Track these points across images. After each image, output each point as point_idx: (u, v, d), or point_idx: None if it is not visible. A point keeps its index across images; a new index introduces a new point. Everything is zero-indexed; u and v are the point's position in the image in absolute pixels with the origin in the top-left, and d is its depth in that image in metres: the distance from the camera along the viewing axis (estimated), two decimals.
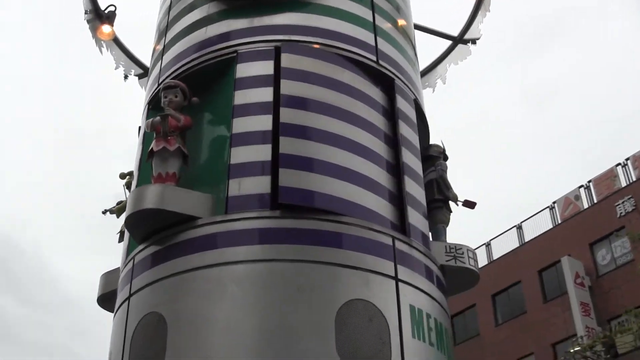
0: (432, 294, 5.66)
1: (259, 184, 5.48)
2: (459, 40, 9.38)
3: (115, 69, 8.99)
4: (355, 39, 6.49)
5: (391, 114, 6.38)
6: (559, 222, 30.66)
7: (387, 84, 6.52)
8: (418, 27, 9.44)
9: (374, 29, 6.70)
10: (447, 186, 6.67)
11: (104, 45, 8.73)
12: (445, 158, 7.05)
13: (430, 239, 6.40)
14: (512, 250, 32.03)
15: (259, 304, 4.96)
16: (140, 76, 9.21)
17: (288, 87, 5.86)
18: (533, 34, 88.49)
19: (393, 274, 5.37)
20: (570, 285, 27.42)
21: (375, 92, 6.33)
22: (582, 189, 30.41)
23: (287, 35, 6.31)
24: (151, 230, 5.62)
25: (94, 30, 8.41)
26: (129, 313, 5.47)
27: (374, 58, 6.49)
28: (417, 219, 5.91)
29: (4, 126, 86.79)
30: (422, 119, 7.05)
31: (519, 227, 32.26)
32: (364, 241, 5.39)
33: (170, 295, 5.24)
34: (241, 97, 5.95)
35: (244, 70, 6.11)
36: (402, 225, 5.80)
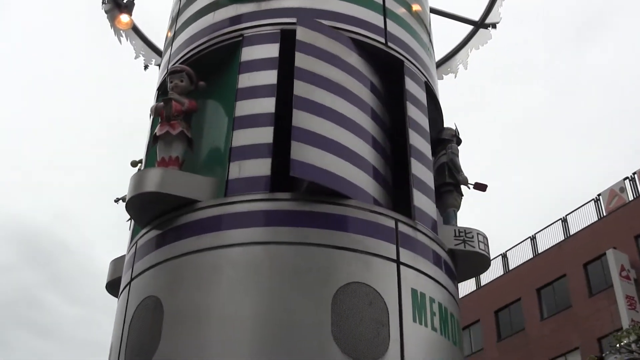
0: (437, 279, 5.53)
1: (260, 167, 5.43)
2: (480, 24, 9.22)
3: (135, 58, 9.05)
4: (363, 21, 6.40)
5: (399, 96, 6.27)
6: (604, 214, 29.98)
7: (396, 66, 6.41)
8: (439, 12, 9.34)
9: (384, 12, 6.60)
10: (458, 169, 6.53)
11: (123, 35, 8.78)
12: (459, 141, 6.91)
13: (442, 222, 6.31)
14: (557, 243, 31.44)
15: (254, 287, 4.91)
16: (160, 65, 9.23)
17: (303, 61, 5.66)
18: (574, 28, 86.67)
19: (395, 257, 5.27)
20: (615, 278, 26.81)
21: (378, 78, 6.28)
22: (627, 181, 29.69)
23: (292, 18, 6.24)
24: (153, 215, 5.62)
25: (113, 19, 8.45)
26: (129, 297, 5.48)
27: (383, 40, 6.40)
28: (423, 202, 5.79)
29: (53, 122, 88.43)
30: (435, 102, 6.93)
31: (564, 220, 31.64)
32: (364, 223, 5.30)
33: (167, 279, 5.24)
34: (245, 80, 5.92)
35: (249, 53, 6.07)
36: (407, 208, 5.69)
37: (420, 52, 6.80)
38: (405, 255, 5.34)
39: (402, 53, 6.47)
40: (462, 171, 6.52)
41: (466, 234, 6.07)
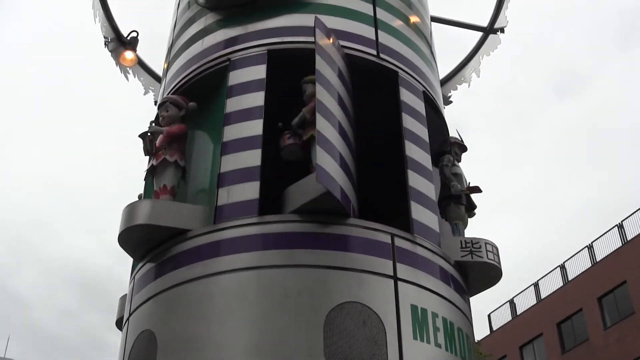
0: (442, 293, 5.31)
1: (248, 191, 5.32)
2: (489, 30, 9.02)
3: (145, 94, 9.04)
4: (353, 35, 6.29)
5: (395, 108, 6.11)
6: None
7: (392, 78, 6.25)
8: (447, 21, 9.18)
9: (375, 24, 6.47)
10: (449, 180, 6.29)
11: (130, 71, 8.80)
12: (463, 149, 6.69)
13: (449, 235, 6.10)
14: (615, 250, 30.50)
15: (245, 314, 4.78)
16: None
17: (322, 66, 5.41)
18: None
19: (391, 273, 5.08)
20: None
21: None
22: None
23: (279, 37, 6.18)
24: (148, 247, 5.54)
25: (117, 57, 8.48)
26: (128, 333, 5.40)
27: (374, 52, 6.26)
28: (424, 215, 5.59)
29: (116, 172, 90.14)
30: (438, 113, 6.75)
31: (620, 226, 30.71)
32: (357, 240, 5.13)
33: (161, 311, 5.15)
34: (233, 104, 5.84)
35: (236, 77, 5.99)
36: (407, 222, 5.50)
37: (418, 62, 6.63)
38: (404, 271, 5.14)
39: (396, 64, 6.32)
40: (453, 180, 6.27)
41: (473, 245, 5.83)
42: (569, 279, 32.60)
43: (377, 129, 6.38)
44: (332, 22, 6.28)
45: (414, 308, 5.00)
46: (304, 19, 6.29)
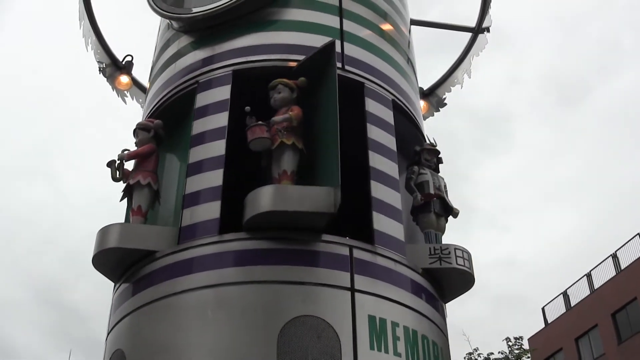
0: (403, 301, 5.36)
1: (209, 210, 5.46)
2: (477, 30, 9.00)
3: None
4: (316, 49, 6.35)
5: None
6: None
7: (358, 89, 6.32)
8: (436, 24, 9.21)
9: (341, 36, 6.54)
10: (410, 192, 6.32)
11: (127, 94, 9.03)
12: (436, 153, 6.69)
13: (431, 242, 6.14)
14: None
15: (205, 333, 4.91)
16: None
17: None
18: None
19: (348, 285, 5.15)
20: None
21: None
22: None
23: (244, 57, 6.31)
24: (122, 269, 5.73)
25: (113, 82, 8.72)
26: (105, 352, 5.60)
27: (339, 65, 6.32)
28: (386, 225, 5.64)
29: None
30: (411, 120, 6.80)
31: None
32: (313, 254, 5.23)
33: (130, 331, 5.34)
34: (199, 126, 5.99)
35: (202, 99, 6.15)
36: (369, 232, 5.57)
37: (388, 71, 6.68)
38: (362, 282, 5.21)
39: (362, 75, 6.37)
40: (415, 192, 6.28)
41: (442, 251, 5.85)
42: (622, 267, 31.89)
43: (345, 140, 6.41)
44: (297, 38, 6.43)
45: (371, 319, 5.06)
46: (269, 37, 6.43)
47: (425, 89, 9.13)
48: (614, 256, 32.42)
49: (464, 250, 5.93)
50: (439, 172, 6.61)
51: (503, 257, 64.25)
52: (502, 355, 21.72)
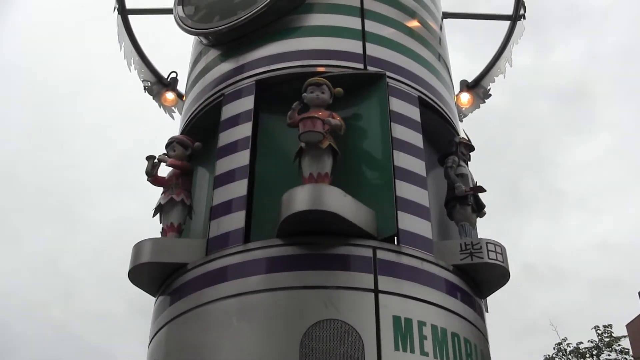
0: (430, 300, 5.30)
1: (234, 220, 5.57)
2: (515, 18, 8.84)
3: None
4: (340, 52, 6.41)
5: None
6: None
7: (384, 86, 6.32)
8: (473, 15, 9.11)
9: (363, 37, 6.55)
10: (452, 181, 6.25)
11: (175, 110, 9.26)
12: (470, 148, 6.63)
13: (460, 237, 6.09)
14: None
15: (230, 342, 4.98)
16: None
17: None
18: None
19: (372, 287, 5.15)
20: None
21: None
22: None
23: (267, 66, 6.40)
24: (158, 282, 5.90)
25: (159, 99, 8.95)
26: None
27: (361, 66, 6.34)
28: (412, 223, 5.59)
29: None
30: (442, 115, 6.76)
31: None
32: (335, 258, 5.24)
33: (165, 342, 5.49)
34: (225, 138, 6.11)
35: (228, 111, 6.27)
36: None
37: (414, 68, 6.64)
38: (386, 283, 5.19)
39: (385, 74, 6.35)
40: (457, 182, 6.22)
41: (473, 247, 5.76)
42: None
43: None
44: (319, 43, 6.48)
45: (396, 319, 5.04)
46: (291, 44, 6.49)
47: (469, 81, 9.03)
48: None
49: (496, 244, 5.82)
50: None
51: (596, 240, 62.06)
52: (592, 344, 21.08)
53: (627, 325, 29.71)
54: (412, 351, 4.97)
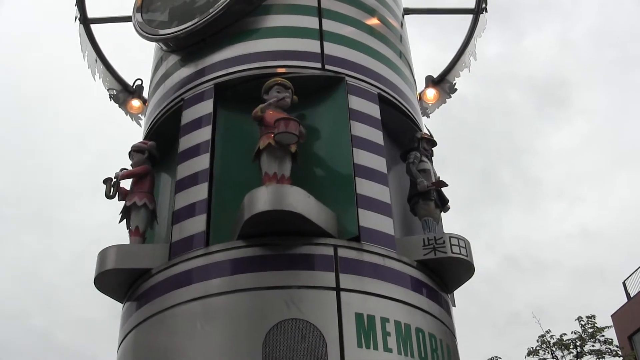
0: (393, 296, 5.32)
1: (195, 224, 5.58)
2: (477, 11, 8.87)
3: None
4: (298, 53, 6.43)
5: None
6: None
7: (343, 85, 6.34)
8: (436, 10, 9.13)
9: (320, 36, 6.57)
10: (414, 177, 6.27)
11: (142, 117, 9.21)
12: (433, 144, 6.65)
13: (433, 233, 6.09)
14: None
15: (194, 344, 5.01)
16: None
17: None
18: None
19: (333, 285, 5.16)
20: None
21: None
22: None
23: (225, 69, 6.41)
24: (124, 288, 5.89)
25: (125, 107, 8.91)
26: None
27: (319, 65, 6.36)
28: (373, 220, 5.61)
29: None
30: (404, 113, 6.78)
31: None
32: (295, 258, 5.26)
33: (132, 347, 5.50)
34: (185, 142, 6.11)
35: (188, 115, 6.28)
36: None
37: (373, 65, 6.67)
38: (347, 281, 5.21)
39: (343, 72, 6.37)
40: (419, 177, 6.23)
41: (436, 241, 5.78)
42: None
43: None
44: (277, 44, 6.50)
45: (358, 316, 5.05)
46: (248, 47, 6.51)
47: (435, 76, 9.04)
48: None
49: (459, 238, 5.84)
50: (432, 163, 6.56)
51: (576, 229, 61.79)
52: (576, 335, 21.14)
53: (612, 316, 29.83)
54: (376, 348, 4.99)
